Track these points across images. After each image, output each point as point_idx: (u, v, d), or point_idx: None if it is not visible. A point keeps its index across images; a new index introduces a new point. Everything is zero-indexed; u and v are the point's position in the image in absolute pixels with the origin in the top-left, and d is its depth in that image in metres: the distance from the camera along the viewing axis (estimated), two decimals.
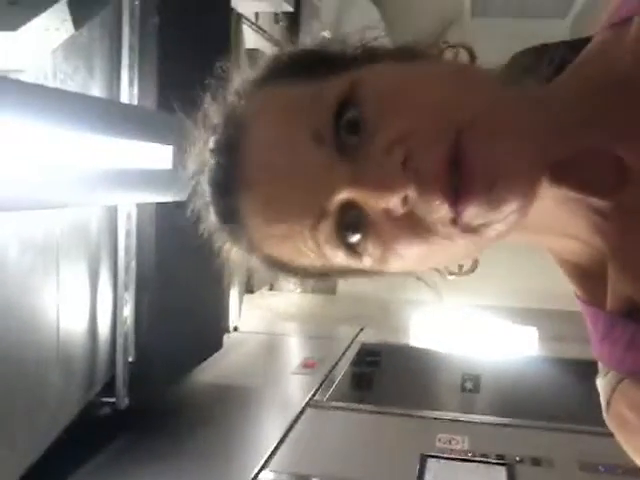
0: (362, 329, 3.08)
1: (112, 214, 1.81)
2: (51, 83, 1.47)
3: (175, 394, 2.19)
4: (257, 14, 3.02)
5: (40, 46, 1.41)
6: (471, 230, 0.53)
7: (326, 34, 3.25)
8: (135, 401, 1.86)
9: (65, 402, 1.64)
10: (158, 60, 1.84)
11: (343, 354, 2.78)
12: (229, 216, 0.61)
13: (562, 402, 2.57)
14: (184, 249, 2.03)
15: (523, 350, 2.96)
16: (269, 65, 0.63)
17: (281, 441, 1.96)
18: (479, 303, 2.64)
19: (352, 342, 2.93)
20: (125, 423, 1.94)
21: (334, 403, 2.29)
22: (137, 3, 1.76)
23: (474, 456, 1.92)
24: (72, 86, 1.55)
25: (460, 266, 0.64)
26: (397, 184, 0.51)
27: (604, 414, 0.62)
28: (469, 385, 2.82)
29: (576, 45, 0.65)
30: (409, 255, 0.56)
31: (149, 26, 1.81)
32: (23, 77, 1.36)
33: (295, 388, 2.42)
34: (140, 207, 1.85)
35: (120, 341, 1.83)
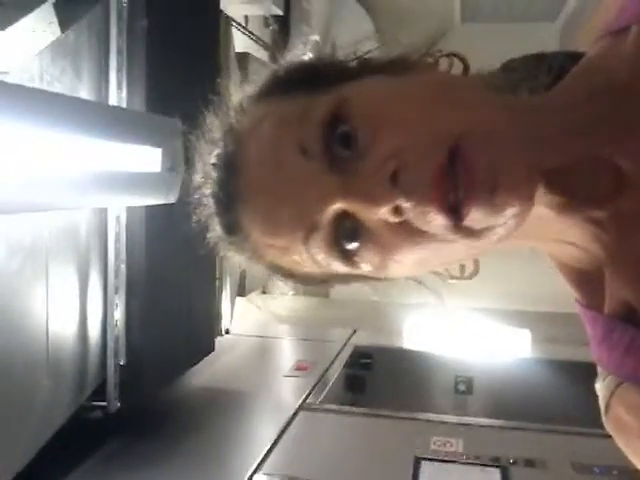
0: (355, 332, 3.07)
1: (101, 217, 1.80)
2: (37, 85, 1.46)
3: (167, 397, 2.18)
4: (247, 17, 3.02)
5: (26, 48, 1.40)
6: (473, 234, 0.54)
7: (316, 38, 3.26)
8: (126, 405, 1.85)
9: (55, 406, 1.63)
10: (146, 63, 1.84)
11: (336, 357, 2.77)
12: (232, 228, 0.64)
13: (555, 404, 2.57)
14: (174, 252, 2.04)
15: (516, 352, 2.96)
16: (266, 80, 0.64)
17: (274, 444, 1.96)
18: (472, 306, 2.63)
19: (345, 345, 2.92)
20: (116, 427, 1.93)
21: (327, 406, 2.28)
22: (125, 5, 1.76)
23: (468, 458, 1.91)
24: (59, 88, 1.54)
25: (462, 270, 0.65)
26: (383, 197, 0.52)
27: (603, 417, 0.63)
28: (462, 387, 2.82)
29: (575, 55, 0.66)
30: (408, 261, 0.57)
31: (137, 28, 1.80)
32: (9, 79, 1.35)
33: (288, 391, 2.41)
34: (129, 210, 1.84)
35: (111, 344, 1.82)
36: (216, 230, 0.67)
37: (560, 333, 2.99)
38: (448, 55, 0.62)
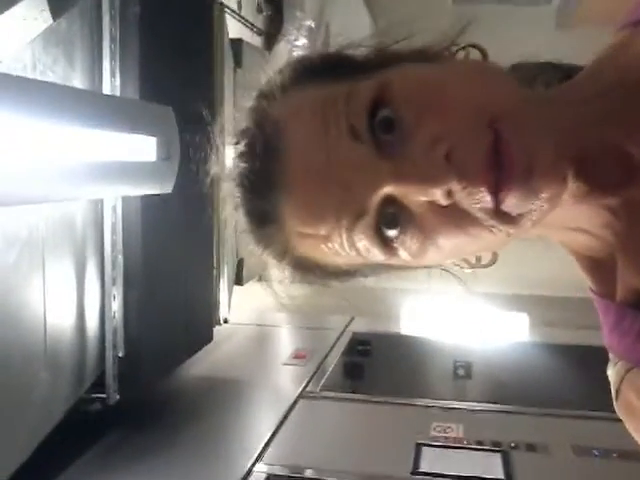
0: (353, 319, 3.07)
1: (97, 208, 1.79)
2: (30, 74, 1.44)
3: (166, 388, 2.17)
4: (240, 3, 2.99)
5: (18, 36, 1.38)
6: (510, 220, 0.55)
7: (310, 23, 3.23)
8: (125, 396, 1.84)
9: (54, 399, 1.62)
10: (140, 50, 1.81)
11: (334, 344, 2.77)
12: (264, 218, 0.62)
13: (554, 387, 2.58)
14: (171, 242, 2.03)
15: (514, 336, 2.97)
16: (295, 68, 0.64)
17: (274, 433, 1.95)
18: (470, 290, 2.63)
19: (343, 332, 2.92)
20: (116, 418, 1.92)
21: (326, 393, 2.28)
22: None
23: (469, 443, 1.92)
24: (52, 77, 1.52)
25: (478, 259, 0.66)
26: (442, 177, 0.53)
27: (614, 402, 0.64)
28: (461, 372, 2.83)
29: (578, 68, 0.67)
30: (448, 246, 0.58)
31: (130, 16, 1.78)
32: (0, 68, 1.33)
33: (287, 379, 2.41)
34: (125, 200, 1.82)
35: (109, 336, 1.81)
36: (243, 221, 0.66)
37: (558, 317, 3.00)
38: (467, 46, 0.64)
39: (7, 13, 1.30)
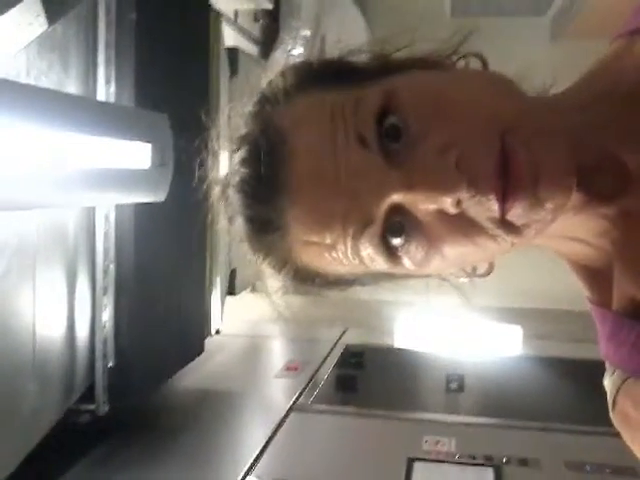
0: (345, 331, 3.06)
1: (90, 215, 1.77)
2: (24, 80, 1.42)
3: (157, 399, 2.15)
4: (236, 12, 2.99)
5: (12, 41, 1.36)
6: (514, 230, 0.55)
7: (307, 32, 3.23)
8: (116, 407, 1.82)
9: (43, 410, 1.60)
10: (135, 57, 1.80)
11: (327, 356, 2.75)
12: (266, 225, 0.61)
13: (547, 401, 2.57)
14: (164, 251, 2.01)
15: (507, 349, 2.96)
16: (299, 73, 0.64)
17: (265, 446, 1.93)
18: (468, 302, 2.62)
19: (336, 344, 2.90)
20: (105, 430, 1.90)
21: (318, 406, 2.26)
22: None
23: (461, 458, 1.90)
24: (46, 83, 1.51)
25: (474, 269, 0.66)
26: (453, 185, 0.53)
27: (610, 413, 0.64)
28: (454, 385, 2.81)
29: None
30: (452, 255, 0.58)
31: (126, 22, 1.76)
32: None
33: (279, 392, 2.39)
34: (118, 208, 1.81)
35: (99, 346, 1.79)
36: (243, 230, 0.65)
37: (551, 330, 2.99)
38: (468, 55, 0.64)
39: (1, 18, 1.29)
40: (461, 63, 0.64)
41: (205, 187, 0.69)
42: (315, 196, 0.58)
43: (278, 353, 2.91)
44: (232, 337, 2.85)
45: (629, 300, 0.61)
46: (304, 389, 2.37)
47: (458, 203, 0.54)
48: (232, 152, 0.65)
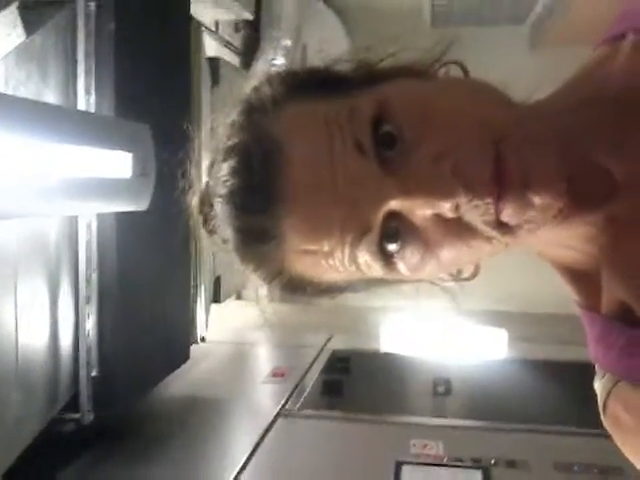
0: (331, 337, 3.06)
1: (72, 225, 1.77)
2: (2, 89, 1.42)
3: (142, 407, 2.14)
4: (217, 22, 3.00)
5: None
6: (508, 231, 0.57)
7: (287, 42, 3.25)
8: (100, 416, 1.81)
9: (26, 420, 1.59)
10: (115, 67, 1.80)
11: (313, 362, 2.75)
12: (260, 236, 0.61)
13: (534, 403, 2.58)
14: (148, 259, 2.01)
15: (493, 352, 2.96)
16: (286, 82, 0.64)
17: (253, 452, 1.93)
18: (458, 305, 2.63)
19: (322, 350, 2.90)
20: (90, 439, 1.89)
21: (305, 412, 2.26)
22: (93, 8, 1.72)
23: (449, 460, 1.91)
24: (25, 93, 1.51)
25: (459, 272, 0.67)
26: (450, 190, 0.54)
27: (601, 416, 0.64)
28: (441, 389, 2.81)
29: None
30: (447, 258, 0.59)
31: (105, 32, 1.77)
32: None
33: (265, 397, 2.39)
34: (100, 217, 1.81)
35: (83, 355, 1.78)
36: (232, 241, 0.64)
37: (536, 333, 3.00)
38: (449, 62, 0.65)
39: None
40: (443, 71, 0.65)
41: (188, 197, 0.69)
42: (313, 204, 0.58)
43: (264, 359, 2.91)
44: (217, 344, 2.84)
45: (617, 304, 0.62)
46: (291, 395, 2.37)
47: (456, 208, 0.55)
48: (217, 162, 0.64)
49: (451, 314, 2.82)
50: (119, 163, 1.66)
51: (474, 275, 0.67)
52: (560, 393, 2.56)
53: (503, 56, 3.55)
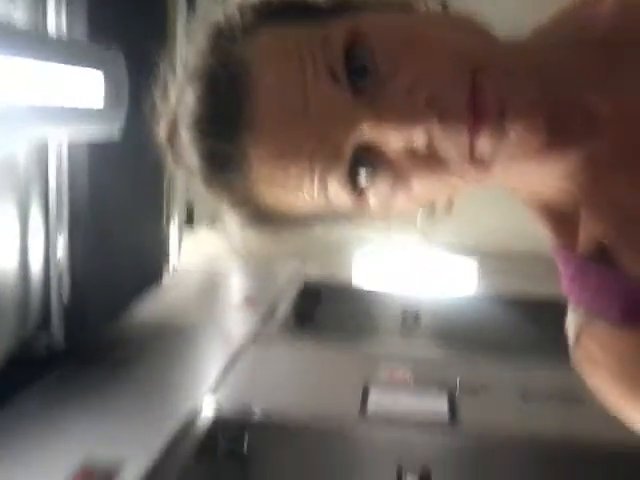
0: (304, 266, 3.07)
1: (42, 150, 1.74)
2: None
3: (113, 333, 2.15)
4: None
5: None
6: (482, 165, 0.56)
7: None
8: (71, 341, 1.82)
9: None
10: None
11: (285, 291, 2.78)
12: (226, 162, 0.59)
13: (502, 335, 2.63)
14: (120, 183, 1.99)
15: (464, 285, 3.00)
16: (257, 9, 0.62)
17: (224, 376, 1.97)
18: (430, 239, 2.66)
19: (293, 279, 2.93)
20: (60, 361, 1.89)
21: (276, 338, 2.29)
22: None
23: (416, 384, 1.95)
24: None
25: (432, 207, 0.66)
26: (423, 117, 0.54)
27: (571, 347, 0.65)
28: (410, 321, 2.86)
29: None
30: (419, 191, 0.58)
31: None
32: None
33: (237, 324, 2.42)
34: (71, 144, 1.78)
35: (54, 281, 1.78)
36: (198, 168, 0.62)
37: (508, 268, 3.03)
38: None
39: None
40: (422, 6, 0.63)
41: (158, 124, 0.67)
42: (282, 129, 0.56)
43: (236, 288, 2.93)
44: (190, 273, 2.86)
45: (594, 243, 0.61)
46: (262, 322, 2.40)
47: (430, 143, 0.54)
48: (184, 88, 0.62)
49: (424, 247, 2.85)
50: (91, 90, 1.63)
51: (447, 211, 0.66)
52: (530, 328, 2.60)
53: None
